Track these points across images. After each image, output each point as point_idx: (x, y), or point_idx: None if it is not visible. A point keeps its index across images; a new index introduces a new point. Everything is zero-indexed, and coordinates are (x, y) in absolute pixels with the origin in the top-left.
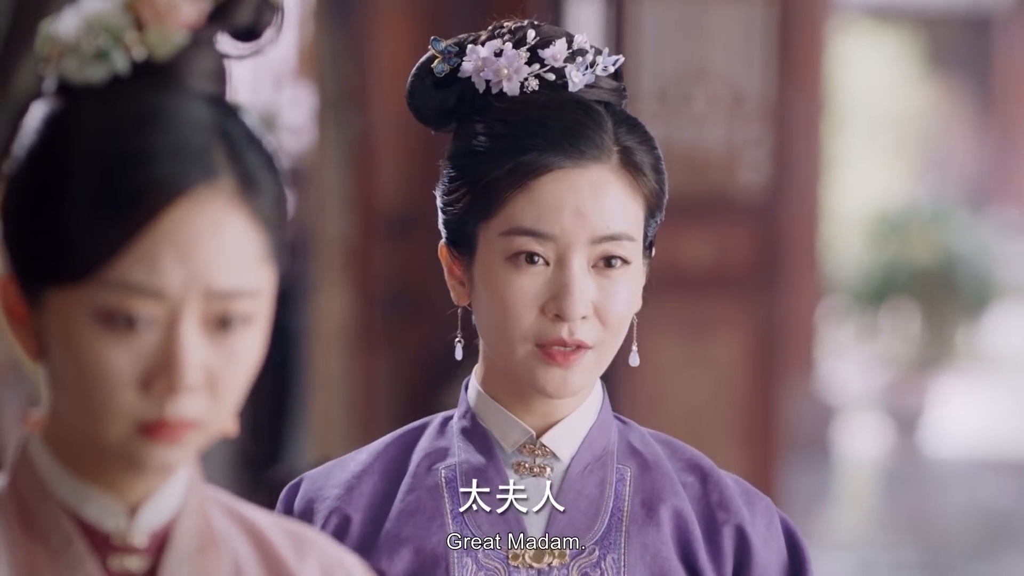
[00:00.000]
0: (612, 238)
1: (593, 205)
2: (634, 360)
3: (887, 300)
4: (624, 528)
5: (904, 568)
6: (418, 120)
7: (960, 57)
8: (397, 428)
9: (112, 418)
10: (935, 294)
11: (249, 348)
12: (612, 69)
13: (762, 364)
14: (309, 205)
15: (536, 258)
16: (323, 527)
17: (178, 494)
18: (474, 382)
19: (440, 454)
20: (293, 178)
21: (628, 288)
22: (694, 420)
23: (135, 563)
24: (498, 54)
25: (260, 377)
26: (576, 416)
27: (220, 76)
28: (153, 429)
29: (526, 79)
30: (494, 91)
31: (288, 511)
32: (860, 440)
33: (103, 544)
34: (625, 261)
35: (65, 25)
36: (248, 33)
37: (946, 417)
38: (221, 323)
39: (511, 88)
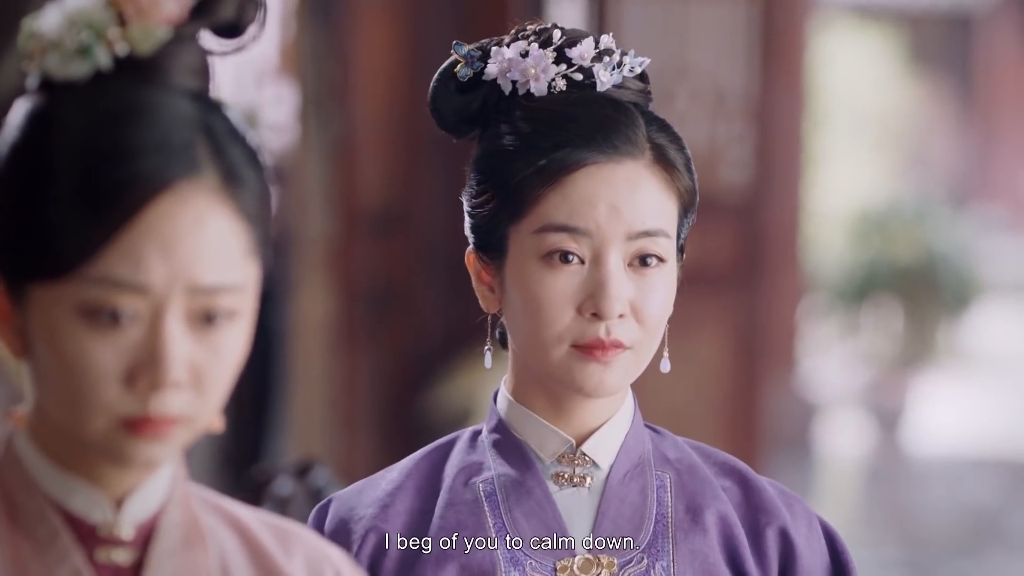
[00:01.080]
0: (647, 234)
1: (628, 200)
2: (665, 366)
3: (869, 298)
4: (671, 535)
5: (887, 566)
6: (440, 127)
7: (942, 55)
8: (379, 426)
9: (96, 413)
10: (917, 291)
11: (234, 343)
12: (639, 70)
13: (744, 362)
14: (291, 203)
15: (571, 256)
16: (360, 546)
17: (163, 487)
18: (504, 392)
19: (475, 468)
20: (275, 176)
21: (665, 287)
22: (676, 418)
23: (121, 555)
24: (524, 55)
25: (241, 375)
26: (613, 423)
27: (203, 72)
28: (137, 425)
29: (553, 79)
30: (520, 92)
31: (318, 532)
32: (842, 438)
33: (89, 537)
34: (660, 259)
35: (47, 21)
36: (231, 29)
37: (928, 415)
38: (205, 318)
39: (539, 88)
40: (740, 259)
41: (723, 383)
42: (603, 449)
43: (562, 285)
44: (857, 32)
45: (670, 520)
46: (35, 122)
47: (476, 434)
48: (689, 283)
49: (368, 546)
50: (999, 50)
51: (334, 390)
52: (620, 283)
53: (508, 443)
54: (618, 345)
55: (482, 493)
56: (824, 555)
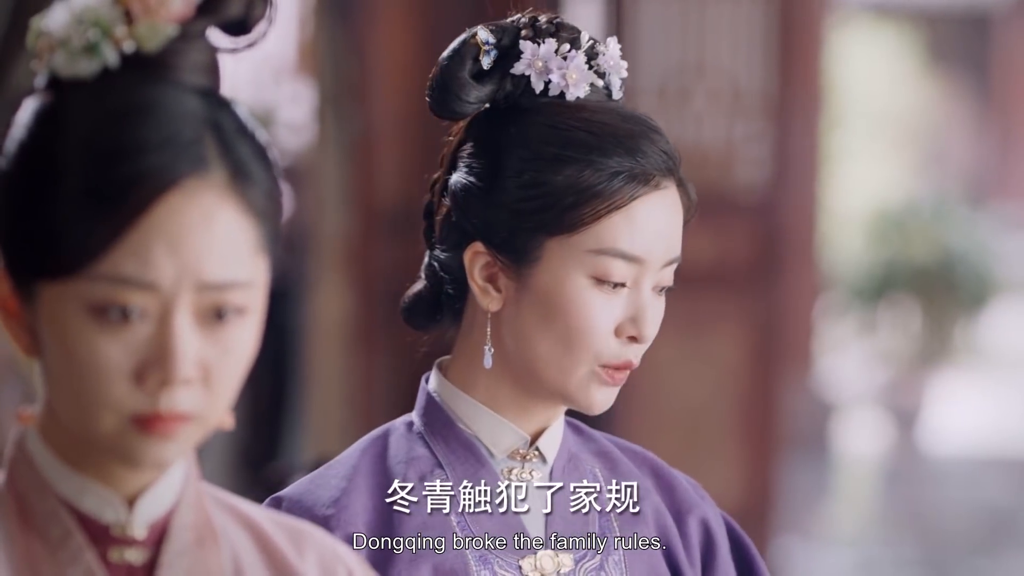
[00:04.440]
0: (673, 262)
1: (675, 230)
2: None
3: (886, 296)
4: (617, 528)
5: (904, 564)
6: (440, 113)
7: (959, 54)
8: None
9: (105, 411)
10: (934, 290)
11: (243, 340)
12: (625, 74)
13: (761, 361)
14: (308, 202)
15: (621, 281)
16: None
17: (176, 486)
18: (446, 383)
19: (426, 463)
20: (293, 175)
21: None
22: (693, 417)
23: (134, 555)
24: (559, 54)
25: (259, 374)
26: (560, 419)
27: (212, 69)
28: (147, 422)
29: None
30: (552, 92)
31: None
32: (859, 436)
33: (102, 536)
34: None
35: (55, 20)
36: (239, 26)
37: (945, 414)
38: (215, 315)
39: (573, 93)
40: (757, 258)
41: (740, 382)
42: (552, 445)
43: (605, 306)
44: (874, 31)
45: (612, 513)
46: (43, 120)
47: (411, 425)
48: (705, 282)
49: None
50: (1016, 49)
51: (351, 388)
52: (656, 310)
53: (455, 437)
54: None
55: (440, 490)
56: (727, 545)
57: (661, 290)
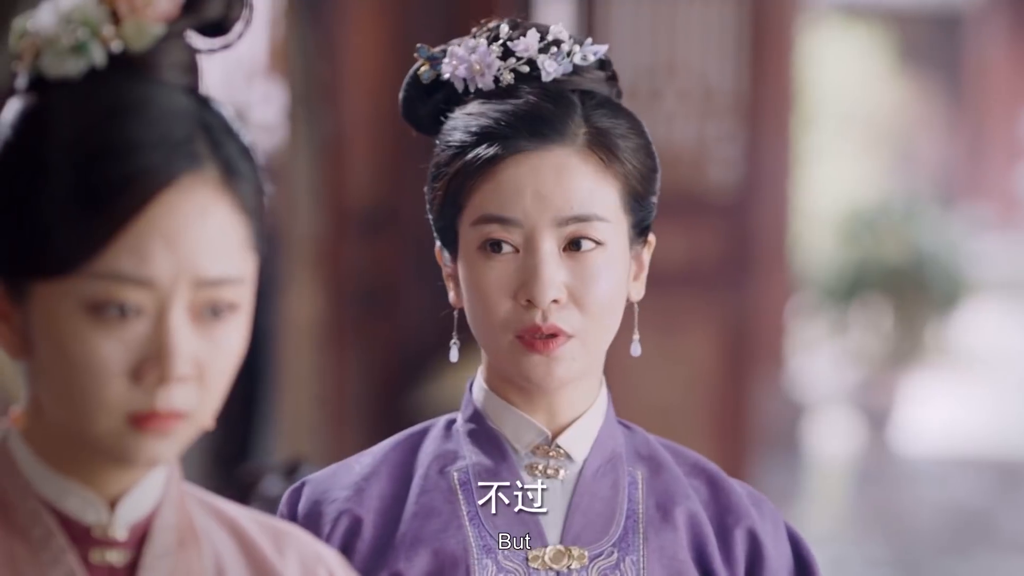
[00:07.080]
0: (578, 219)
1: (555, 187)
2: (635, 350)
3: (858, 297)
4: (641, 531)
5: (875, 564)
6: (417, 130)
7: (931, 54)
8: (367, 425)
9: (103, 410)
10: (906, 290)
11: (235, 337)
12: (592, 59)
13: (733, 361)
14: (280, 202)
15: (503, 245)
16: (332, 528)
17: (158, 488)
18: (480, 382)
19: (450, 457)
20: (267, 172)
21: (608, 271)
22: (664, 417)
23: (116, 556)
24: (471, 52)
25: None
26: (588, 417)
27: (192, 69)
28: (144, 420)
29: (500, 73)
30: (471, 89)
31: (292, 515)
32: (831, 436)
33: (84, 538)
34: (597, 242)
35: (42, 20)
36: (217, 27)
37: (916, 414)
38: (209, 312)
39: (485, 83)
40: (729, 258)
41: (711, 382)
42: (578, 443)
43: (497, 274)
44: (846, 31)
45: (640, 516)
46: (31, 120)
47: (451, 423)
48: (677, 282)
49: (340, 528)
50: (988, 49)
51: (323, 389)
52: (551, 269)
53: (483, 433)
54: (555, 332)
55: (456, 482)
56: (788, 557)
57: (578, 245)
